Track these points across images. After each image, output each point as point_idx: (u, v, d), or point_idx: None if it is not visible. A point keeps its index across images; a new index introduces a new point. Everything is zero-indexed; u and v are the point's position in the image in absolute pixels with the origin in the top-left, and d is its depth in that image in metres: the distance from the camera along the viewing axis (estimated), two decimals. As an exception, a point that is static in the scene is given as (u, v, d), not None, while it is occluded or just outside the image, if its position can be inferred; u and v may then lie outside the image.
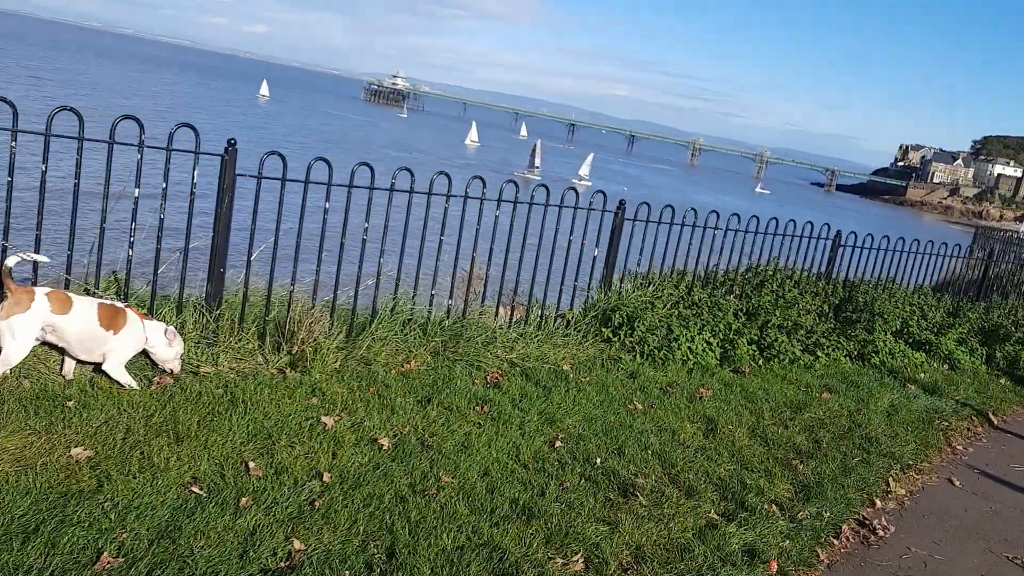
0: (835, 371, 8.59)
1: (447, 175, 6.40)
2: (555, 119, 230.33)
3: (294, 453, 4.48)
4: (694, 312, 8.03)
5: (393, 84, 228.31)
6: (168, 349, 4.94)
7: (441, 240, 6.43)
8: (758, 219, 8.60)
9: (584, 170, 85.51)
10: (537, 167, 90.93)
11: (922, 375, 9.35)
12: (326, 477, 4.28)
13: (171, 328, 4.95)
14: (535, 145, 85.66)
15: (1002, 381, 10.00)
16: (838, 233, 9.32)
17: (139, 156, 5.06)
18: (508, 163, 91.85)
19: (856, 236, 9.46)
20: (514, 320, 7.18)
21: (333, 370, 5.74)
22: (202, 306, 5.49)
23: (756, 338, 8.34)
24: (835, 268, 9.49)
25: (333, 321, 5.99)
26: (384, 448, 4.76)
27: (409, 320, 6.39)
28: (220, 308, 5.58)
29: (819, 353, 8.69)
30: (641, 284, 7.92)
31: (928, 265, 10.56)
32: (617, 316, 7.36)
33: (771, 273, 8.84)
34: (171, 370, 5.04)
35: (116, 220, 5.27)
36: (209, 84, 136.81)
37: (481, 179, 6.64)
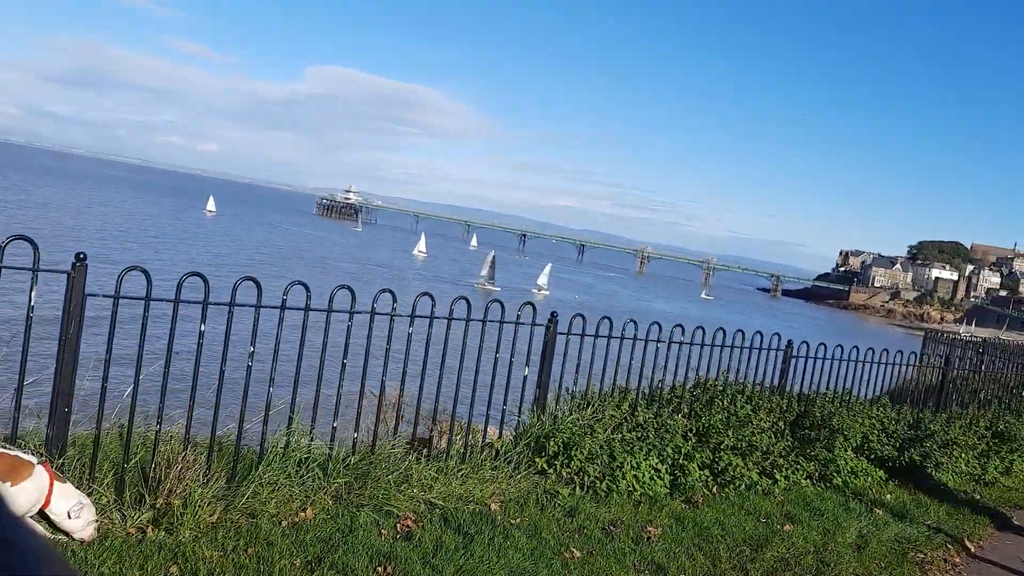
0: (796, 496, 7.80)
1: (350, 289, 5.66)
2: (507, 230, 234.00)
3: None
4: (639, 435, 7.25)
5: (346, 198, 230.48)
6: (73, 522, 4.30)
7: (344, 363, 5.60)
8: (704, 330, 7.98)
9: (542, 280, 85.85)
10: (486, 277, 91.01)
11: (888, 496, 8.61)
12: None
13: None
14: (491, 256, 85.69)
15: (972, 499, 9.32)
16: (789, 343, 8.75)
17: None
18: (463, 273, 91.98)
19: (808, 346, 8.89)
20: (434, 452, 6.30)
21: (208, 526, 4.76)
22: (41, 454, 4.53)
23: (709, 461, 7.56)
24: (788, 380, 8.87)
25: (211, 464, 5.05)
26: (250, 634, 3.78)
27: (307, 459, 5.48)
28: (65, 455, 4.62)
29: (777, 476, 7.93)
30: (579, 405, 7.14)
31: (883, 373, 10.02)
32: (552, 444, 6.53)
33: (721, 388, 8.15)
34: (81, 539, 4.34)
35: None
36: (159, 202, 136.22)
37: (391, 292, 5.90)
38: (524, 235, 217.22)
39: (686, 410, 7.89)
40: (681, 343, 7.77)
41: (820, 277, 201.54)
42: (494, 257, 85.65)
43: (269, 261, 64.10)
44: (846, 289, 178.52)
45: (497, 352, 6.44)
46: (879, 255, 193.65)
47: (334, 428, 5.64)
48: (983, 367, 11.99)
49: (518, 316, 6.49)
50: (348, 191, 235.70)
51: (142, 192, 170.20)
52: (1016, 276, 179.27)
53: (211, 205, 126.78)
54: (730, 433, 7.59)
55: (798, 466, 8.14)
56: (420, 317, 6.05)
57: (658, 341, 7.63)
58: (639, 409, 7.46)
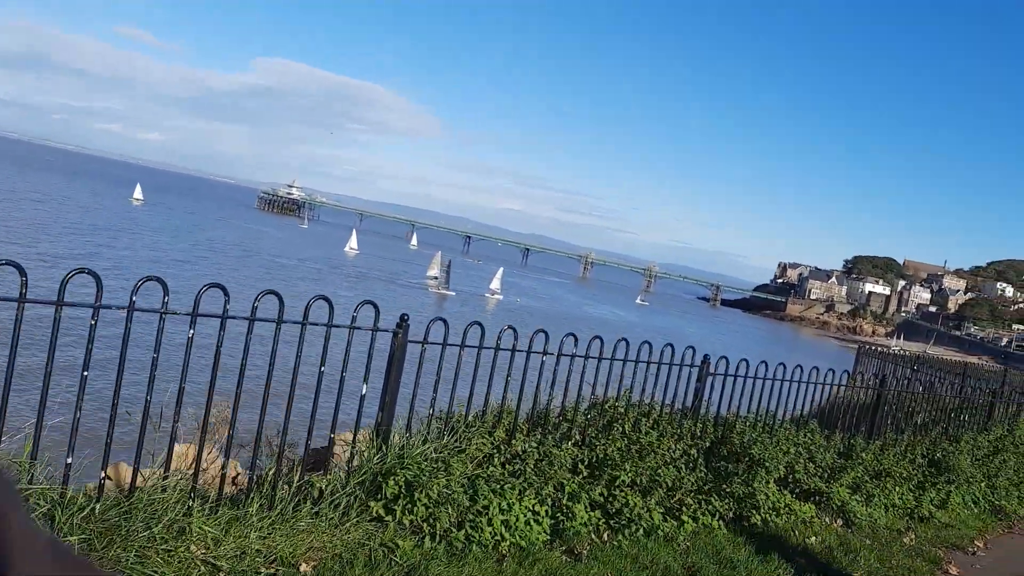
0: (704, 542, 6.52)
1: (161, 281, 4.19)
2: (451, 231, 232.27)
3: None
4: (514, 469, 5.87)
5: (288, 194, 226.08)
6: None
7: (84, 376, 4.07)
8: (602, 340, 6.65)
9: (495, 284, 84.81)
10: (436, 277, 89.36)
11: (812, 538, 7.42)
12: None
13: None
14: (438, 257, 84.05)
15: (905, 540, 8.20)
16: (705, 359, 7.48)
17: None
18: (397, 272, 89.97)
19: (728, 362, 7.65)
20: (228, 493, 4.82)
21: None
22: None
23: (602, 499, 6.23)
24: (703, 401, 7.61)
25: None
26: None
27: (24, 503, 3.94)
28: None
29: (684, 517, 6.65)
30: (439, 432, 5.72)
31: (813, 393, 8.85)
32: (391, 483, 5.08)
33: (623, 410, 6.82)
34: None
35: None
36: (84, 189, 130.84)
37: (222, 288, 4.42)
38: (469, 237, 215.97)
39: (578, 437, 6.54)
40: (573, 356, 6.41)
41: (759, 288, 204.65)
42: (449, 261, 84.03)
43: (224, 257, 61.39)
44: (783, 300, 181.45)
45: (322, 366, 4.97)
46: (816, 268, 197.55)
47: (68, 464, 4.10)
48: (921, 387, 10.96)
49: (353, 319, 5.04)
50: (291, 186, 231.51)
51: (70, 178, 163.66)
52: (945, 293, 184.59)
53: (138, 193, 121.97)
54: (628, 466, 6.27)
55: (709, 505, 6.86)
56: (233, 318, 4.54)
57: (544, 353, 6.26)
58: (517, 437, 6.08)
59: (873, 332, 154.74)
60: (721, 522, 7.03)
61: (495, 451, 5.89)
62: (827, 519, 8.22)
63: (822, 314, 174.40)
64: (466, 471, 5.52)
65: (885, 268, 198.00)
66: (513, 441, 6.05)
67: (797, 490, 8.19)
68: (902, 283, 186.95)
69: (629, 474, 6.30)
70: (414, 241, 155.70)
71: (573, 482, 5.95)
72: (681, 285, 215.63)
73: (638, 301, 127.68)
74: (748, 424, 8.09)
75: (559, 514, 5.89)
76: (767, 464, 7.52)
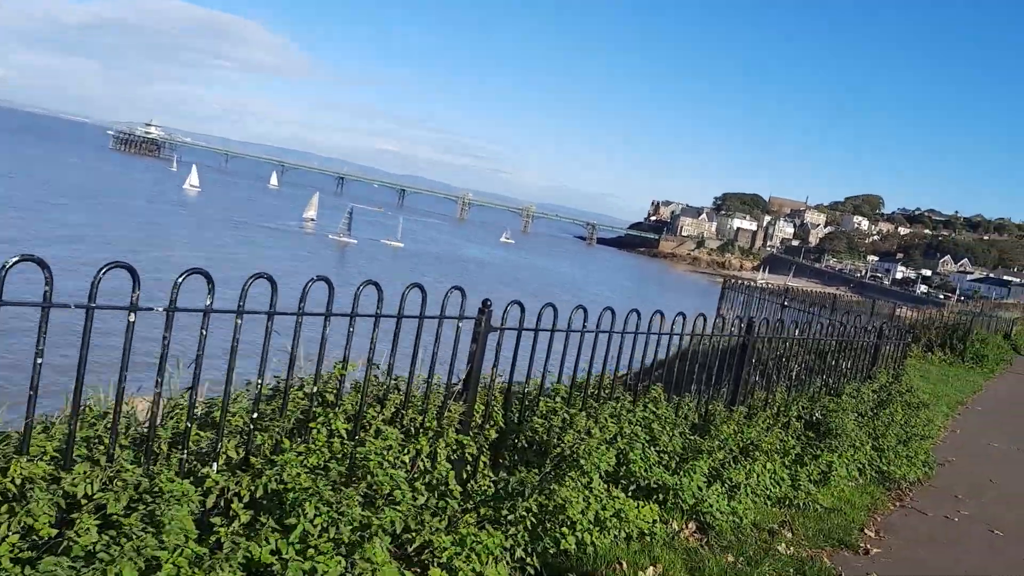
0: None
1: None
2: (323, 171, 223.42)
3: None
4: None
5: (146, 133, 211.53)
6: None
7: None
8: (329, 283, 3.74)
9: (398, 235, 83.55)
10: (313, 219, 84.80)
11: (649, 571, 4.90)
12: None
13: None
14: (348, 209, 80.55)
15: (779, 547, 5.88)
16: (485, 307, 4.69)
17: None
18: (254, 212, 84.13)
19: (524, 310, 4.91)
20: None
21: None
22: None
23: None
24: (481, 370, 4.84)
25: None
26: None
27: None
28: None
29: (432, 573, 3.94)
30: None
31: (656, 347, 6.27)
32: None
33: (333, 398, 3.98)
34: None
35: None
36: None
37: None
38: (342, 178, 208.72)
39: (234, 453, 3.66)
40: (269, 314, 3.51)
41: (633, 226, 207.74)
42: (351, 208, 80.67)
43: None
44: (656, 238, 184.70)
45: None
46: (687, 205, 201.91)
47: None
48: (796, 329, 8.72)
49: None
50: (149, 124, 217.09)
51: None
52: (807, 227, 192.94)
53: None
54: (313, 503, 3.45)
55: (480, 543, 4.16)
56: None
57: (244, 313, 3.32)
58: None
59: (741, 267, 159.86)
60: (507, 559, 4.38)
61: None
62: (675, 524, 5.77)
63: (693, 250, 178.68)
64: None
65: (752, 204, 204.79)
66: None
67: (634, 486, 5.69)
68: (768, 219, 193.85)
69: (324, 516, 3.50)
70: (274, 180, 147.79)
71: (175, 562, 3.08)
72: (559, 224, 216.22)
73: (503, 239, 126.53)
74: (559, 400, 5.46)
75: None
76: (582, 460, 4.92)
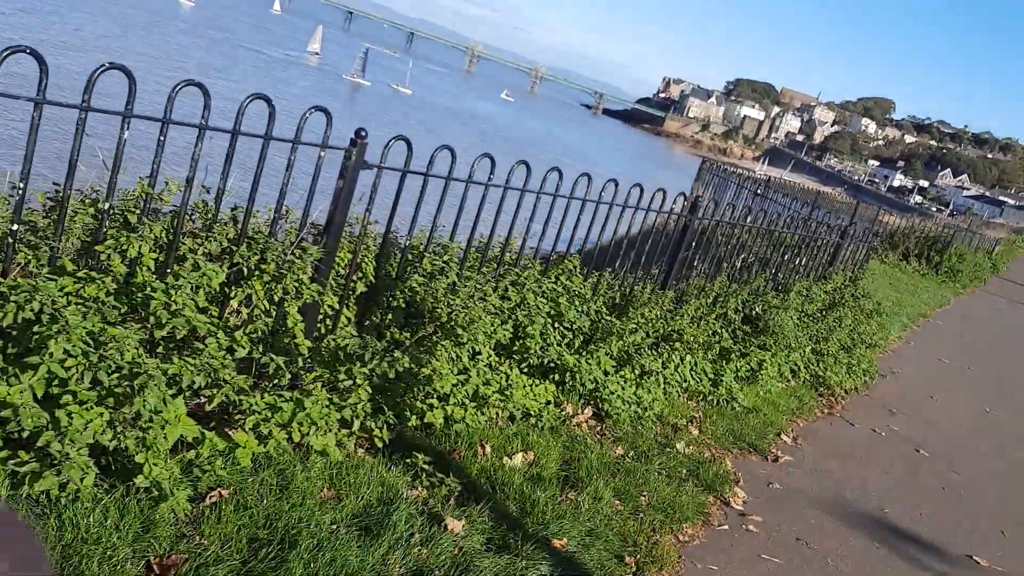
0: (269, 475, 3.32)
1: None
2: (330, 3, 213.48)
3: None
4: None
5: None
6: None
7: None
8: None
9: (406, 81, 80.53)
10: (318, 53, 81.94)
11: (518, 457, 4.40)
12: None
13: None
14: (364, 49, 77.79)
15: (678, 446, 5.41)
16: (358, 136, 3.90)
17: None
18: (259, 39, 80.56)
19: (411, 148, 4.14)
20: None
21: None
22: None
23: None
24: (343, 211, 4.10)
25: None
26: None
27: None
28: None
29: (241, 435, 3.38)
30: None
31: (578, 214, 5.54)
32: None
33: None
34: None
35: None
36: None
37: None
38: (351, 13, 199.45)
39: None
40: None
41: (641, 101, 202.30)
42: (367, 49, 78.01)
43: None
44: (663, 116, 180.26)
45: None
46: (698, 87, 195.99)
47: None
48: (763, 218, 8.02)
49: None
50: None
51: None
52: (814, 123, 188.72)
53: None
54: (61, 340, 2.82)
55: (300, 412, 3.59)
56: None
57: None
58: None
59: (742, 155, 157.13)
60: (349, 432, 3.83)
61: None
62: (570, 408, 5.26)
63: (697, 132, 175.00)
64: None
65: (763, 93, 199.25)
66: None
67: (528, 364, 5.13)
68: (776, 109, 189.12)
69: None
70: (277, 6, 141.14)
71: None
72: (567, 90, 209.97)
73: (503, 96, 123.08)
74: (452, 261, 4.79)
75: None
76: (459, 330, 4.30)
